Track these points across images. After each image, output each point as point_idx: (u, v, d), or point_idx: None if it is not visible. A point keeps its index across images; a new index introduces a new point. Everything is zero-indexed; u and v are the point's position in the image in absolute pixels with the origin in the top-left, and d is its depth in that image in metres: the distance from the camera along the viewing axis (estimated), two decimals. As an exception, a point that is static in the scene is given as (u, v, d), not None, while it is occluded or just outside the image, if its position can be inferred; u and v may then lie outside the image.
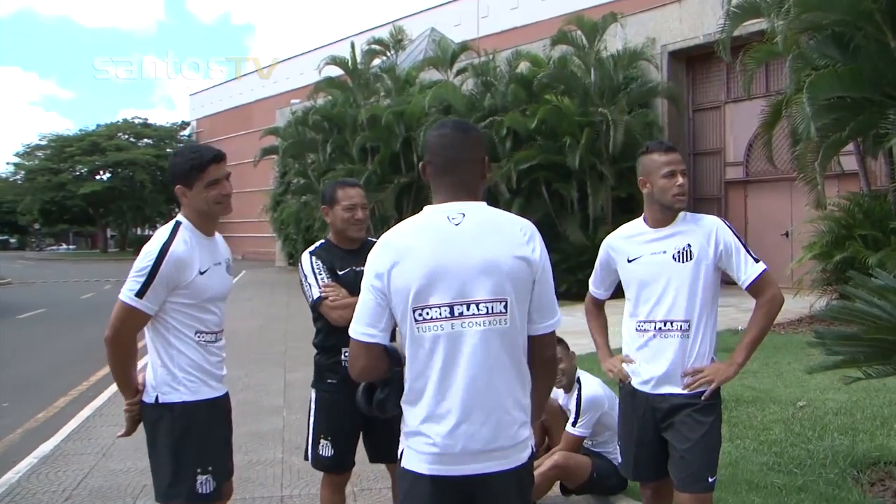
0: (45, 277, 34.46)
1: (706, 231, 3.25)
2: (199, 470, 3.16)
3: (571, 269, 16.11)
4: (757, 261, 3.26)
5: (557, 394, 5.14)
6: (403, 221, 2.43)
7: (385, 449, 3.75)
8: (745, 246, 3.27)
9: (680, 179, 3.23)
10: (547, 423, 5.18)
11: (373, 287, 2.33)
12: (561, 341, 4.91)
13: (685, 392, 3.26)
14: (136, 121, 67.66)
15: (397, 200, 22.37)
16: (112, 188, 63.15)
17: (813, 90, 10.42)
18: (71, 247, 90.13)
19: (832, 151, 11.21)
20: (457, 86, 20.32)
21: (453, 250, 2.26)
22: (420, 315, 2.26)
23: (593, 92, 17.50)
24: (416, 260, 2.27)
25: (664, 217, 3.30)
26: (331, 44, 25.49)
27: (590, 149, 16.83)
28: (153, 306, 3.09)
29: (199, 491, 3.15)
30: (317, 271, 3.78)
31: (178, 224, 3.21)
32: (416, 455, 2.30)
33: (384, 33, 24.50)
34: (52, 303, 21.76)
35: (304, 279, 3.80)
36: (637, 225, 3.41)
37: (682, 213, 3.30)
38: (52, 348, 13.51)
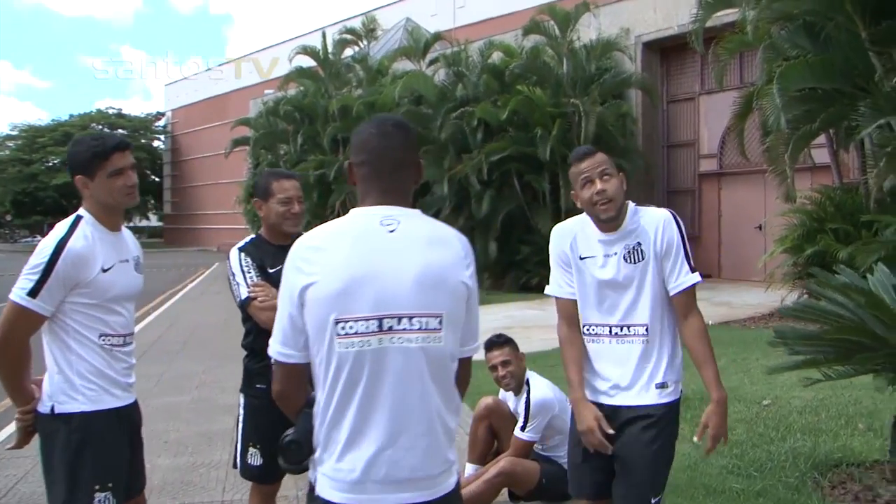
0: (12, 270, 33.89)
1: (653, 225, 3.00)
2: (97, 487, 2.89)
3: (543, 262, 15.78)
4: (693, 270, 3.00)
5: (506, 396, 5.00)
6: (326, 223, 2.17)
7: None
8: (686, 249, 3.01)
9: (598, 185, 2.93)
10: (496, 427, 5.01)
11: (290, 298, 2.08)
12: (510, 341, 4.83)
13: (643, 404, 2.98)
14: (111, 111, 66.87)
15: (369, 192, 22.08)
16: (84, 179, 62.29)
17: (783, 81, 10.24)
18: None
19: (803, 143, 11.05)
20: (428, 76, 20.06)
21: (386, 258, 2.04)
22: (343, 328, 2.01)
23: (566, 83, 17.28)
24: (341, 267, 2.03)
25: (608, 225, 3.02)
26: (307, 34, 25.19)
27: (562, 140, 16.61)
28: (48, 307, 2.83)
29: None
30: (245, 269, 3.55)
31: (78, 218, 2.98)
32: (330, 482, 2.06)
33: (358, 23, 24.13)
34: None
35: (231, 277, 3.56)
36: (588, 220, 3.11)
37: (630, 208, 3.02)
38: None
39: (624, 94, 18.53)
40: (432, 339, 2.05)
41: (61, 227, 2.95)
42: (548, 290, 3.21)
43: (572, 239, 3.09)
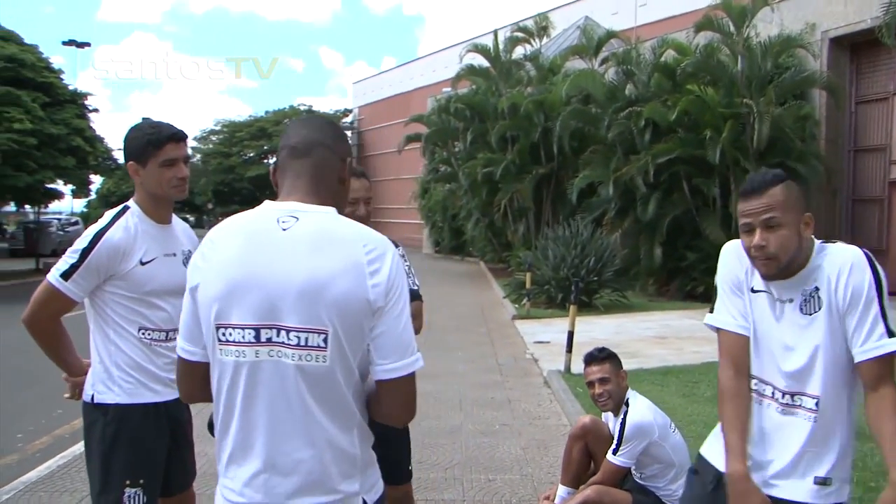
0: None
1: (836, 266, 2.30)
2: (127, 482, 2.87)
3: (710, 270, 15.13)
4: (892, 333, 2.25)
5: (607, 417, 4.70)
6: (235, 215, 2.00)
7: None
8: (882, 303, 2.26)
9: (757, 237, 2.32)
10: (592, 449, 4.71)
11: (189, 293, 1.93)
12: (612, 356, 4.54)
13: (797, 500, 2.34)
14: (302, 107, 70.19)
15: (535, 191, 21.96)
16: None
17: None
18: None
19: None
20: (597, 74, 19.59)
21: (272, 261, 1.82)
22: (223, 334, 1.85)
23: (740, 82, 16.32)
24: (225, 267, 1.85)
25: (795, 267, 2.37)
26: (486, 34, 25.26)
27: (733, 143, 15.72)
28: (79, 292, 2.86)
29: None
30: None
31: (124, 209, 2.99)
32: (221, 499, 1.93)
33: (531, 22, 23.99)
34: None
35: None
36: None
37: (816, 247, 2.38)
38: None
39: (806, 95, 17.29)
40: (313, 358, 1.81)
41: (107, 215, 2.97)
42: (709, 318, 2.54)
43: (749, 263, 2.44)
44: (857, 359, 2.26)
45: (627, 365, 9.05)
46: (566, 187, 19.80)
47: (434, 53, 52.19)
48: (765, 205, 2.29)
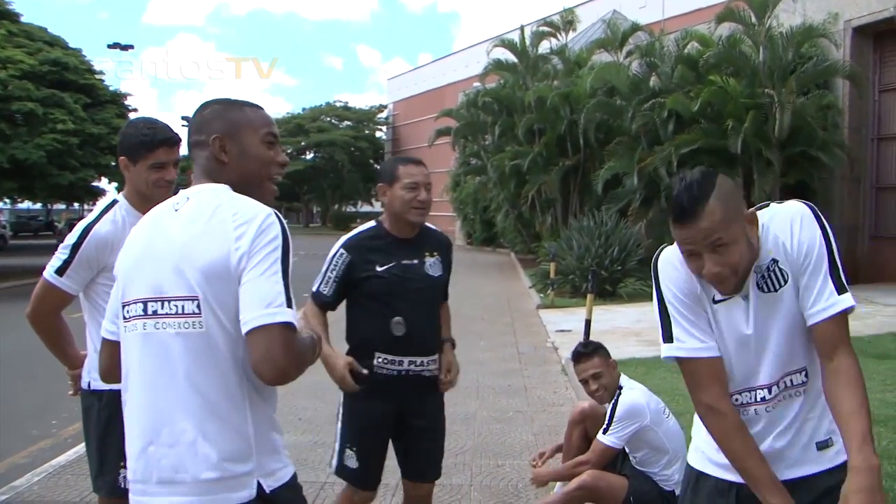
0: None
1: (786, 226, 2.09)
2: (121, 463, 2.88)
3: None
4: (842, 289, 2.05)
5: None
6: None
7: (417, 465, 3.62)
8: (833, 258, 2.07)
9: (706, 262, 2.05)
10: (591, 433, 4.63)
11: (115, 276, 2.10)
12: (600, 348, 4.44)
13: (804, 474, 2.14)
14: (338, 104, 70.76)
15: (562, 182, 22.18)
16: (314, 167, 66.68)
17: None
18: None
19: None
20: (621, 66, 19.77)
21: (160, 238, 1.97)
22: (126, 312, 1.99)
23: (762, 72, 16.45)
24: (128, 248, 2.06)
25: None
26: (514, 30, 25.51)
27: (755, 133, 15.85)
28: (74, 286, 2.95)
29: (121, 486, 2.85)
30: (330, 270, 3.44)
31: (113, 203, 3.07)
32: (125, 479, 2.05)
33: (558, 17, 24.22)
34: None
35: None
36: None
37: (762, 227, 2.12)
38: None
39: (829, 84, 17.35)
40: (190, 325, 1.88)
41: (97, 209, 3.06)
42: (670, 350, 2.18)
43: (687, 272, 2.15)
44: (811, 321, 2.05)
45: (646, 353, 9.44)
46: (592, 178, 20.01)
47: (466, 49, 52.41)
48: (704, 229, 1.99)
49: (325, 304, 3.47)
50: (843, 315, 2.05)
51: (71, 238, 2.95)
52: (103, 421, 2.97)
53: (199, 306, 1.88)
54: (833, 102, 16.96)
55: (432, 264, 3.50)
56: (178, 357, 1.89)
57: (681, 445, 4.21)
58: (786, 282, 2.07)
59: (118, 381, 2.06)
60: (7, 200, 33.85)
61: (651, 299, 2.25)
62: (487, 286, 19.53)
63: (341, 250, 3.41)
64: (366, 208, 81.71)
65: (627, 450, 4.28)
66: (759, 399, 2.14)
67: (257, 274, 1.85)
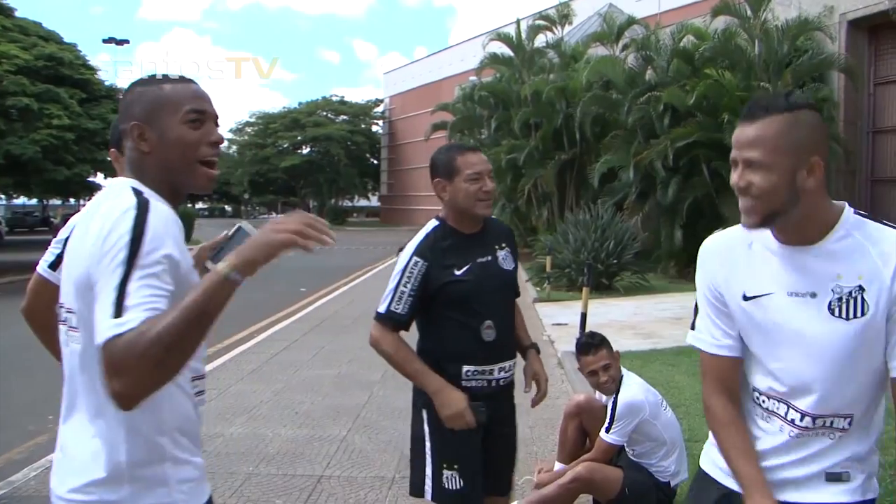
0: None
1: (889, 257, 1.81)
2: None
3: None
4: None
5: (600, 395, 4.67)
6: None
7: (500, 476, 3.31)
8: None
9: (735, 177, 1.89)
10: (587, 426, 4.70)
11: None
12: (605, 340, 4.43)
13: (827, 502, 1.92)
14: (334, 98, 70.87)
15: (558, 176, 22.25)
16: (310, 162, 66.78)
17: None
18: (279, 215, 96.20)
19: None
20: (617, 60, 19.82)
21: (74, 242, 1.80)
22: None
23: (758, 66, 16.47)
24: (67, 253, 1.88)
25: (786, 236, 1.90)
26: (510, 24, 25.57)
27: (751, 126, 15.87)
28: None
29: None
30: (404, 283, 3.00)
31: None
32: None
33: (553, 11, 24.27)
34: None
35: (392, 278, 3.04)
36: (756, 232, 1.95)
37: (845, 215, 1.87)
38: None
39: (825, 77, 17.38)
40: (74, 340, 1.76)
41: (89, 203, 3.10)
42: (690, 338, 2.11)
43: (730, 262, 2.00)
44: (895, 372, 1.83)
45: (642, 345, 9.49)
46: (588, 172, 20.07)
47: (462, 43, 52.54)
48: (750, 140, 1.81)
49: (400, 324, 3.03)
50: None
51: (64, 232, 2.87)
52: None
53: (77, 321, 1.73)
54: (828, 96, 16.99)
55: (504, 257, 3.17)
56: (75, 371, 1.77)
57: (678, 436, 4.29)
58: (863, 315, 1.80)
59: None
60: (3, 196, 33.89)
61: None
62: (484, 280, 19.49)
63: (415, 259, 2.99)
64: (363, 202, 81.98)
65: (626, 444, 4.32)
66: (790, 420, 1.92)
67: (102, 286, 1.58)
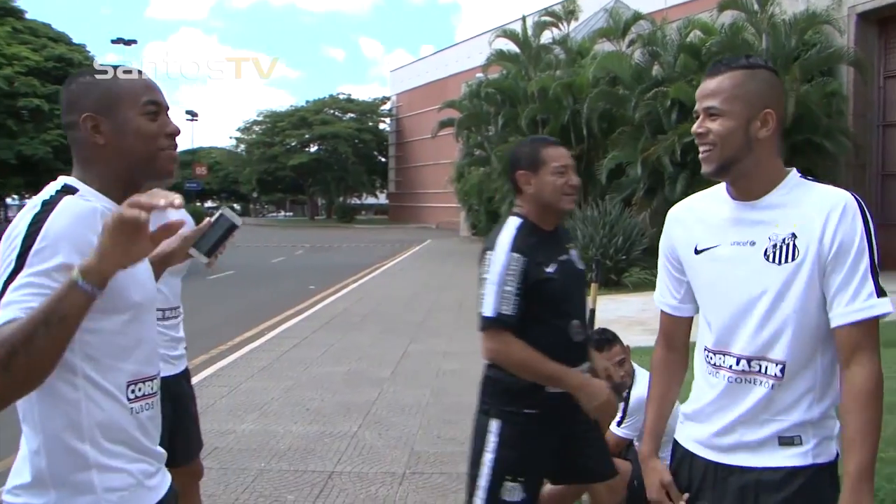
0: (250, 241, 36.97)
1: (823, 211, 1.93)
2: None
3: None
4: (879, 292, 1.91)
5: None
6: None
7: (602, 463, 3.20)
8: (872, 256, 1.92)
9: (697, 126, 2.05)
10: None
11: None
12: (616, 335, 4.39)
13: (758, 466, 2.00)
14: (341, 96, 70.98)
15: (566, 173, 22.21)
16: (318, 160, 66.91)
17: None
18: (288, 214, 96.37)
19: None
20: (624, 56, 19.78)
21: None
22: None
23: (765, 60, 16.42)
24: None
25: (736, 191, 2.05)
26: (516, 20, 25.52)
27: (759, 120, 15.84)
28: None
29: None
30: (508, 280, 2.83)
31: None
32: None
33: (559, 7, 24.23)
34: (244, 265, 22.66)
35: (484, 279, 2.89)
36: (717, 193, 2.12)
37: (790, 176, 2.02)
38: (214, 309, 13.83)
39: (834, 71, 17.34)
40: None
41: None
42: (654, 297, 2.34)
43: (689, 222, 2.15)
44: (837, 322, 1.91)
45: (651, 341, 9.42)
46: (595, 168, 20.04)
47: (468, 40, 52.53)
48: (711, 90, 1.99)
49: (513, 327, 2.84)
50: (875, 321, 1.91)
51: None
52: None
53: None
54: (837, 89, 16.99)
55: (576, 257, 3.06)
56: None
57: None
58: (793, 260, 1.93)
59: None
60: (15, 196, 34.05)
61: (655, 289, 2.32)
62: (493, 277, 19.55)
63: (515, 255, 2.82)
64: (371, 200, 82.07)
65: (636, 438, 4.30)
66: (728, 366, 2.04)
67: None
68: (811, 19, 16.48)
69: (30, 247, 1.55)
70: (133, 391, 1.75)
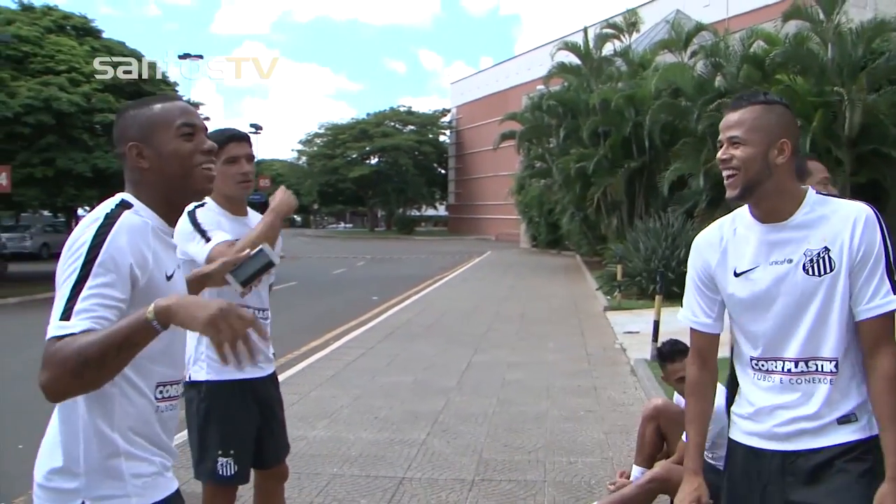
0: (311, 253, 37.50)
1: (848, 223, 2.19)
2: (219, 452, 3.15)
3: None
4: (895, 290, 2.20)
5: (679, 399, 4.65)
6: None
7: None
8: (888, 259, 2.21)
9: (721, 152, 2.27)
10: (664, 429, 4.70)
11: None
12: (688, 348, 4.37)
13: (825, 445, 2.23)
14: (402, 109, 71.51)
15: (627, 184, 22.20)
16: (378, 172, 67.52)
17: None
18: (348, 225, 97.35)
19: None
20: (686, 67, 19.69)
21: None
22: None
23: (830, 70, 16.23)
24: None
25: (762, 213, 2.27)
26: (577, 32, 25.60)
27: (824, 131, 15.65)
28: None
29: (220, 473, 3.14)
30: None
31: (201, 204, 3.19)
32: None
33: (620, 19, 24.24)
34: (306, 276, 23.06)
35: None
36: (741, 219, 2.34)
37: (809, 196, 2.26)
38: (279, 319, 13.36)
39: (904, 80, 16.99)
40: None
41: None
42: (679, 314, 2.53)
43: (722, 247, 2.36)
44: (861, 317, 2.20)
45: (714, 352, 9.44)
46: (658, 180, 19.95)
47: (529, 52, 52.70)
48: (734, 122, 2.24)
49: None
50: (892, 314, 2.21)
51: None
52: (202, 412, 3.17)
53: None
54: (906, 99, 16.61)
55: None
56: None
57: None
58: (831, 271, 2.20)
59: None
60: (87, 207, 35.12)
61: None
62: (554, 289, 19.70)
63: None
64: (430, 212, 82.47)
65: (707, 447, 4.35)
66: (784, 370, 2.27)
67: (60, 288, 1.76)
68: (879, 28, 16.20)
69: (95, 257, 1.75)
70: (161, 392, 1.96)
